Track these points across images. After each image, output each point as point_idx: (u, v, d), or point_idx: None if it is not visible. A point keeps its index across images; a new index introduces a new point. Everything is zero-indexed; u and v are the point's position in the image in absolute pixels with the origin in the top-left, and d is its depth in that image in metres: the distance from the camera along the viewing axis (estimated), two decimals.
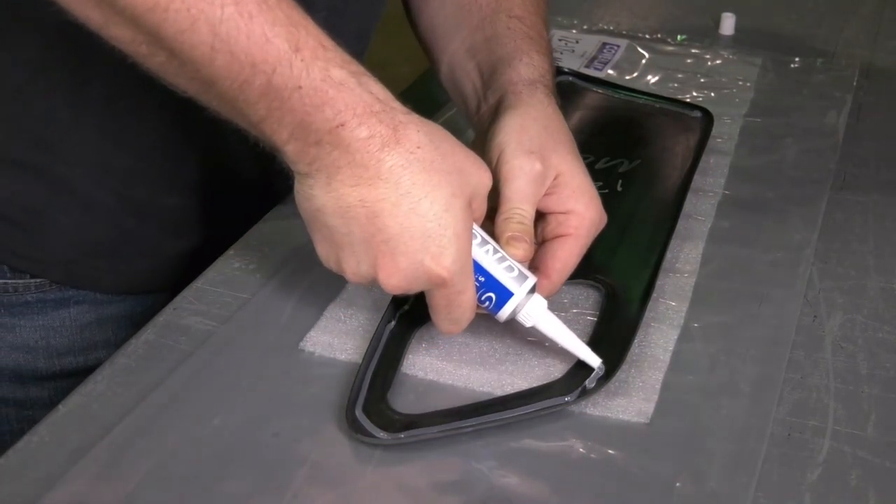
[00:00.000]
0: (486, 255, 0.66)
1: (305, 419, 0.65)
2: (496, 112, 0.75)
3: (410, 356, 0.70)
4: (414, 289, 0.64)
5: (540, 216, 0.72)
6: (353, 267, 0.64)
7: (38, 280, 0.83)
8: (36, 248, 0.82)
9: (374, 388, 0.66)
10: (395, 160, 0.61)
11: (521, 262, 0.67)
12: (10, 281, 0.82)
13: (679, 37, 1.22)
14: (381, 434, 0.63)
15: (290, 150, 0.61)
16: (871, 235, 0.85)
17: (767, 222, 0.86)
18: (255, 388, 0.68)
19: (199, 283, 0.78)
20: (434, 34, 0.86)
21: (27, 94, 0.77)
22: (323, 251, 0.66)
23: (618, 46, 1.18)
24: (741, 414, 0.66)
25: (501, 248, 0.67)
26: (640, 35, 1.22)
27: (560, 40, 1.19)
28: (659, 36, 1.22)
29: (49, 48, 0.76)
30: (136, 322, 0.85)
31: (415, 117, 0.63)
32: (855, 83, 1.12)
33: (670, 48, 1.19)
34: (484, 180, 0.65)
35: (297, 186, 0.64)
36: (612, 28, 1.24)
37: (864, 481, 0.62)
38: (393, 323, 0.71)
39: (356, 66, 0.61)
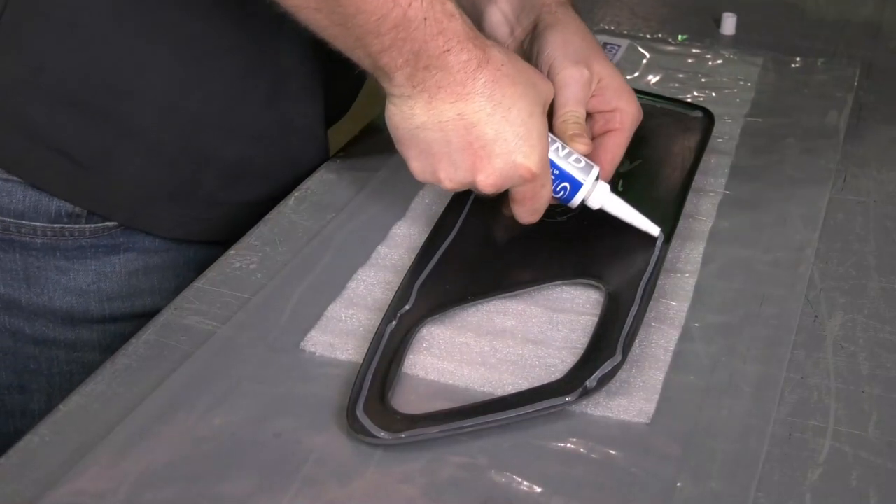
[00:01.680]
0: (556, 152, 0.77)
1: (306, 419, 0.65)
2: (535, 32, 0.85)
3: (411, 356, 0.70)
4: (505, 186, 0.74)
5: (587, 116, 0.82)
6: (451, 174, 0.73)
7: (92, 225, 0.85)
8: (102, 190, 0.85)
9: (374, 388, 0.66)
10: (487, 77, 0.71)
11: (584, 155, 0.78)
12: (66, 225, 0.85)
13: (680, 37, 1.22)
14: (382, 434, 0.63)
15: (400, 75, 0.70)
16: (872, 235, 0.85)
17: (768, 222, 0.86)
18: (256, 388, 0.68)
19: (200, 283, 0.78)
20: None
21: (101, 40, 0.80)
22: (418, 166, 0.75)
23: (618, 46, 1.18)
24: (742, 414, 0.66)
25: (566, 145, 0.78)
26: (641, 35, 1.22)
27: None
28: (660, 36, 1.22)
29: None
30: (179, 273, 0.90)
31: (493, 42, 0.73)
32: (856, 83, 1.12)
33: (671, 48, 1.19)
34: (550, 90, 0.77)
35: (393, 110, 0.73)
36: (612, 28, 1.24)
37: (865, 482, 0.62)
38: (394, 323, 0.71)
39: (455, 1, 0.71)
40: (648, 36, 1.22)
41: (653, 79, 1.11)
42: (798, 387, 0.69)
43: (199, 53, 0.83)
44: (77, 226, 0.85)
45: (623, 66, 1.14)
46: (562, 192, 0.77)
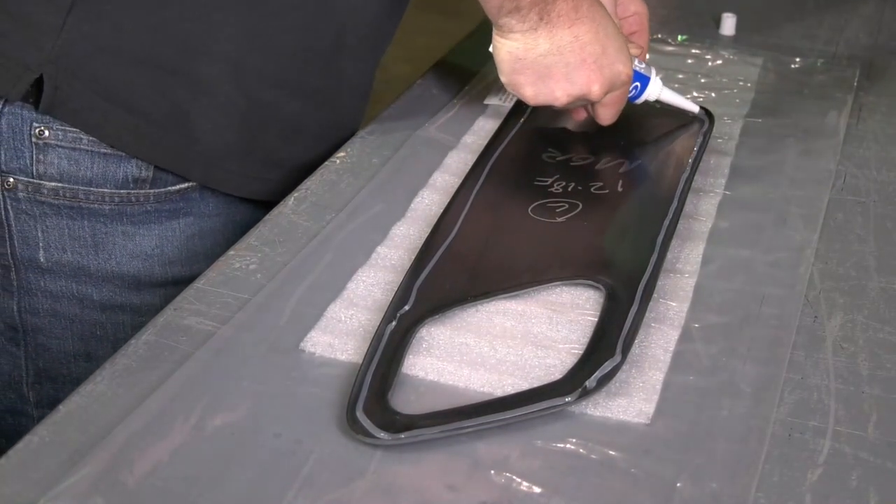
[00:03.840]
0: None
1: (306, 419, 0.65)
2: None
3: (411, 356, 0.70)
4: (609, 90, 0.87)
5: None
6: (568, 90, 0.86)
7: (156, 191, 0.89)
8: (178, 149, 0.89)
9: (374, 388, 0.66)
10: (587, 2, 0.85)
11: (637, 56, 0.92)
12: (132, 191, 0.89)
13: (680, 37, 1.22)
14: (382, 434, 0.63)
15: (534, 12, 0.83)
16: (872, 236, 0.85)
17: (768, 223, 0.86)
18: (256, 388, 0.68)
19: (200, 284, 0.78)
20: None
21: (177, 1, 0.84)
22: (533, 90, 0.87)
23: None
24: (742, 414, 0.66)
25: None
26: None
27: None
28: (660, 36, 1.22)
29: None
30: (228, 238, 0.93)
31: None
32: (855, 83, 1.12)
33: (671, 48, 1.19)
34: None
35: (514, 45, 0.85)
36: None
37: (865, 482, 0.62)
38: (393, 323, 0.71)
39: None
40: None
41: None
42: (798, 387, 0.69)
43: (266, 11, 0.87)
44: (142, 191, 0.89)
45: None
46: (633, 91, 0.91)
